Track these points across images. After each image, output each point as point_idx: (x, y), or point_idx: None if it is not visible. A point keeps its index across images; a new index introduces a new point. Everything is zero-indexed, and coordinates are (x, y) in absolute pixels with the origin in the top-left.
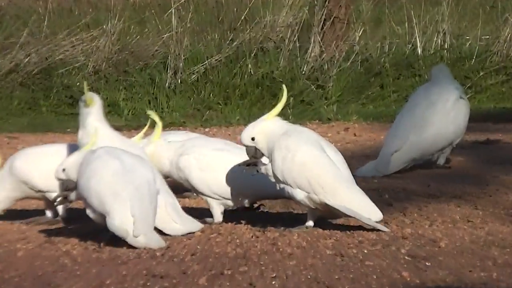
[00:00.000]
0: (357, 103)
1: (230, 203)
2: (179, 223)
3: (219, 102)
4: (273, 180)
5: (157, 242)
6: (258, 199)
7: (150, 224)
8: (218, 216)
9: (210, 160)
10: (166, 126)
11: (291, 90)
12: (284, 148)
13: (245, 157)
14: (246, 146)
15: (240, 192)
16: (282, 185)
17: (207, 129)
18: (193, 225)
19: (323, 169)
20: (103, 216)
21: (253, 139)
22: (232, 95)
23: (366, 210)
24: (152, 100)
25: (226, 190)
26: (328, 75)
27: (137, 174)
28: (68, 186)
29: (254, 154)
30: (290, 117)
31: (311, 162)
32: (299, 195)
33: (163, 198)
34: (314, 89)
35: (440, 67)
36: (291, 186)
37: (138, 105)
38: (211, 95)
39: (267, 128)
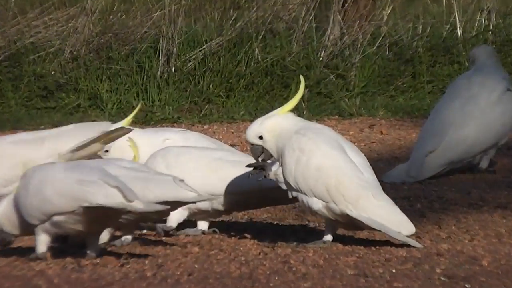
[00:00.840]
0: (384, 95)
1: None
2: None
3: (220, 94)
4: (284, 187)
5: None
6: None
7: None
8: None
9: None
10: (158, 123)
11: (306, 80)
12: (298, 149)
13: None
14: (252, 145)
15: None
16: (295, 193)
17: (206, 126)
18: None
19: (344, 174)
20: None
21: (261, 137)
22: (236, 86)
23: (395, 222)
24: (140, 92)
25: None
26: (350, 62)
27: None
28: (265, 156)
29: (261, 155)
30: (304, 112)
31: (329, 166)
32: (316, 204)
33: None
34: (334, 78)
35: (483, 49)
36: (306, 194)
37: (124, 98)
38: (210, 86)
39: (278, 124)
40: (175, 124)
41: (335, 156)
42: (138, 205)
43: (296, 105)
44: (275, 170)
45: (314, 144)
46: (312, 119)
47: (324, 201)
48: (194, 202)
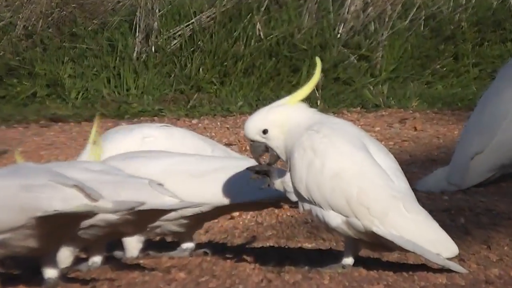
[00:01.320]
0: (418, 81)
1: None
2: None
3: (212, 81)
4: (293, 198)
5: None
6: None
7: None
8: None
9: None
10: (134, 117)
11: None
12: (310, 150)
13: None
14: (253, 142)
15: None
16: (307, 206)
17: (194, 121)
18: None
19: (369, 180)
20: None
21: (265, 131)
22: (232, 70)
23: (433, 242)
24: (112, 78)
25: None
26: (376, 40)
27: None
28: (270, 157)
29: (263, 155)
30: (318, 103)
31: (349, 171)
32: (334, 220)
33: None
34: (355, 60)
35: None
36: (321, 206)
37: (92, 85)
38: (200, 70)
39: (287, 117)
40: (155, 118)
41: (357, 158)
42: (106, 205)
43: (309, 94)
44: (282, 179)
45: (330, 143)
46: (327, 112)
47: (344, 216)
48: (175, 210)
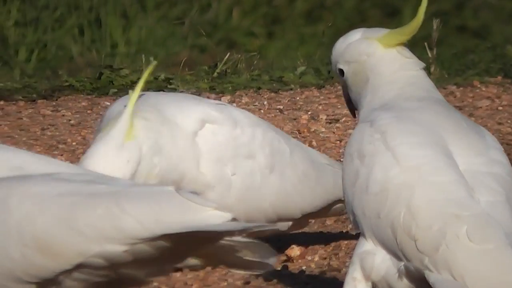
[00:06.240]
0: None
1: None
2: None
3: (253, 31)
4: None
5: None
6: None
7: None
8: None
9: None
10: (124, 91)
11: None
12: (356, 155)
13: None
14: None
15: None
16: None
17: (224, 98)
18: None
19: (422, 194)
20: None
21: (341, 72)
22: (287, 13)
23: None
24: (87, 27)
25: None
26: None
27: None
28: None
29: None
30: (431, 69)
31: (398, 182)
32: (381, 261)
33: None
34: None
35: None
36: (365, 237)
37: (53, 39)
38: (233, 12)
39: (366, 66)
40: (164, 90)
41: (416, 161)
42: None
43: (408, 39)
44: None
45: (382, 144)
46: (446, 82)
47: (391, 253)
48: (230, 235)
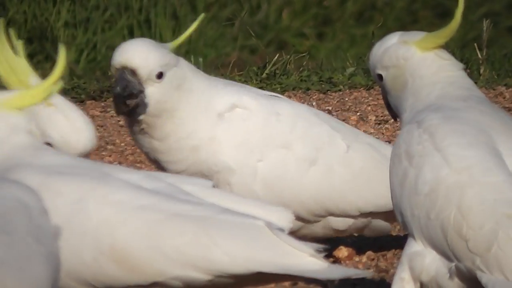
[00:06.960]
0: None
1: None
2: None
3: (304, 32)
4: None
5: None
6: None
7: None
8: None
9: None
10: None
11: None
12: (405, 156)
13: None
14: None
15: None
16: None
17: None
18: None
19: (472, 194)
20: None
21: (380, 77)
22: (338, 14)
23: None
24: (137, 27)
25: None
26: None
27: None
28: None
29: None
30: (480, 73)
31: (449, 183)
32: (431, 262)
33: None
34: None
35: None
36: (413, 238)
37: (103, 39)
38: (283, 13)
39: (405, 71)
40: None
41: (465, 162)
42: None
43: (445, 41)
44: None
45: (431, 144)
46: (495, 85)
47: (441, 254)
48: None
